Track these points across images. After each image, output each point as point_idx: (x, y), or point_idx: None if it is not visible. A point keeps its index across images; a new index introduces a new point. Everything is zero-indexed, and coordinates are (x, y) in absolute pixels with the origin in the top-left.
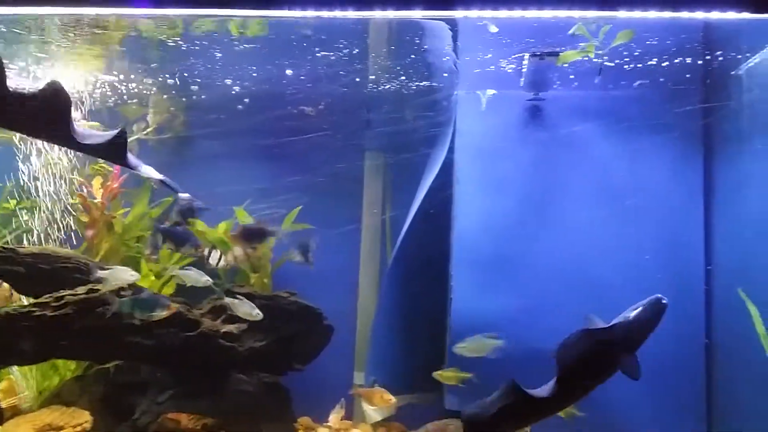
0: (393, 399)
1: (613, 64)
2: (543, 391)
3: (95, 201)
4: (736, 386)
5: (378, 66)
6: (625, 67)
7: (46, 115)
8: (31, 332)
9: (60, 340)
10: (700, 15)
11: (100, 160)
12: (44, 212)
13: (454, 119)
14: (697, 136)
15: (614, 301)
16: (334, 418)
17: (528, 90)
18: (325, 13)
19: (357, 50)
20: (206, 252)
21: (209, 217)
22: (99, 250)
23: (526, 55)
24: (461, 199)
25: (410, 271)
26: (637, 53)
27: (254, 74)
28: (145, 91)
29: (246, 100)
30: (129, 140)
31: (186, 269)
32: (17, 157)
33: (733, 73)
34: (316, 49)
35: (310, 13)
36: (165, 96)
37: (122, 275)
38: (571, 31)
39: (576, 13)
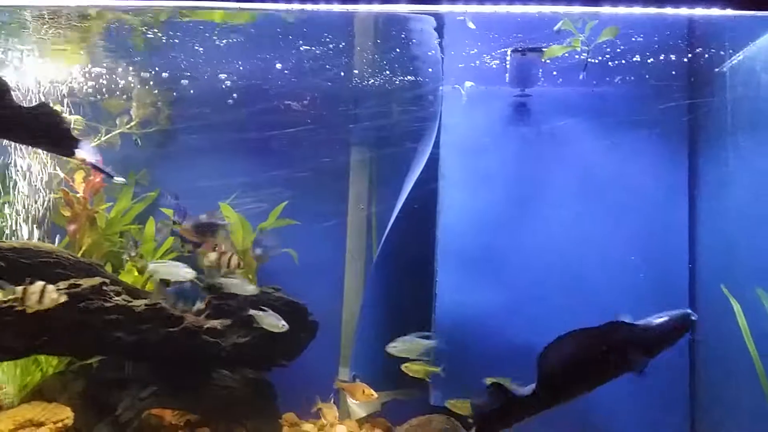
0: (375, 394)
1: (597, 61)
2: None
3: (77, 195)
4: (720, 383)
5: (363, 60)
6: (610, 63)
7: None
8: (11, 327)
9: (41, 335)
10: (684, 11)
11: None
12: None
13: (440, 114)
14: (682, 132)
15: (598, 295)
16: (330, 413)
17: (513, 86)
18: (309, 6)
19: (342, 44)
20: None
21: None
22: (81, 245)
23: (509, 51)
24: (446, 194)
25: (395, 266)
26: (621, 49)
27: (240, 68)
28: (128, 85)
29: (232, 93)
30: (113, 134)
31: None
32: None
33: (717, 70)
34: (301, 42)
35: (296, 6)
36: (147, 88)
37: (245, 286)
38: (556, 27)
39: (561, 9)
